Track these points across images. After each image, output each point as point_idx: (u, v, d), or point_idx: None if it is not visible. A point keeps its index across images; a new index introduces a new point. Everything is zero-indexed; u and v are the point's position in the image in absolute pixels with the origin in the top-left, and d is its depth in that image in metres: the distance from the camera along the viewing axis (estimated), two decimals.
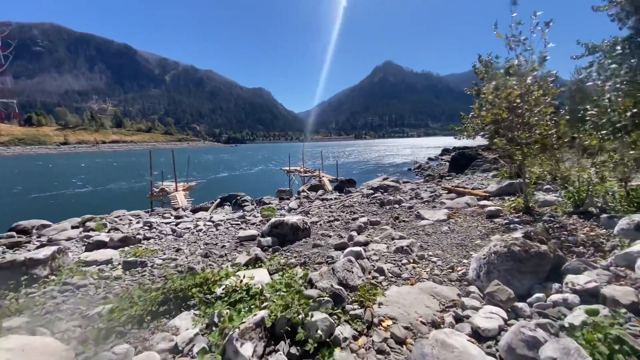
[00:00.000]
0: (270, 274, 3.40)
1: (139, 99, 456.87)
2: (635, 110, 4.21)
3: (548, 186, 7.39)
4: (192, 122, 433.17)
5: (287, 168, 27.59)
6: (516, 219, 4.88)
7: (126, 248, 6.12)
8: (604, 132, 4.60)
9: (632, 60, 4.78)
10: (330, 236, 5.31)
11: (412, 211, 6.66)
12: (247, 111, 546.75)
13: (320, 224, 6.37)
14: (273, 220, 5.25)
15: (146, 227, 8.02)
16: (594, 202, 4.77)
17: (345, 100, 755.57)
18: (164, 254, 5.58)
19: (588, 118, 5.41)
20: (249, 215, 8.25)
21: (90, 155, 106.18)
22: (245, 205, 10.88)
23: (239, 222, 7.24)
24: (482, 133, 10.39)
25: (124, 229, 8.19)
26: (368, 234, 5.11)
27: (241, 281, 2.78)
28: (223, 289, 2.75)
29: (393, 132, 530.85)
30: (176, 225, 7.67)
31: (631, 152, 4.33)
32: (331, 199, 11.24)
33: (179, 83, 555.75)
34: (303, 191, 17.79)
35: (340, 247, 4.30)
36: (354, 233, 5.05)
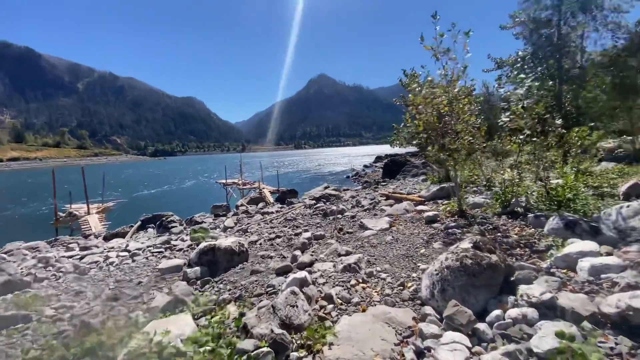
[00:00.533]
0: (196, 319, 2.75)
1: (44, 110, 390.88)
2: (546, 115, 4.66)
3: (475, 189, 7.97)
4: (111, 134, 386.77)
5: (224, 181, 25.98)
6: (453, 223, 4.99)
7: (9, 296, 4.71)
8: (522, 136, 5.01)
9: (538, 69, 5.36)
10: (271, 257, 4.78)
11: (355, 221, 6.50)
12: (177, 122, 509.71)
13: (260, 244, 5.79)
14: (202, 245, 4.51)
15: (41, 265, 6.43)
16: (518, 202, 5.14)
17: (283, 111, 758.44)
18: (59, 300, 4.41)
19: (502, 124, 5.94)
20: (176, 240, 7.21)
21: None
22: (172, 227, 9.63)
23: (162, 249, 6.22)
24: (414, 142, 11.03)
25: (12, 268, 6.43)
26: (313, 251, 4.72)
27: (151, 340, 2.11)
28: (126, 356, 2.04)
29: (330, 141, 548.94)
30: (80, 259, 6.27)
31: (547, 153, 4.76)
32: (273, 212, 10.67)
33: (94, 92, 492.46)
34: (242, 205, 16.81)
35: (283, 272, 3.81)
36: (297, 252, 4.61)
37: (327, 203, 10.51)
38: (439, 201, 7.33)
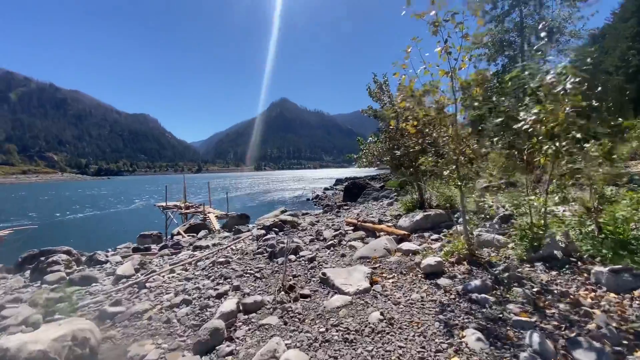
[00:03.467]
0: None
1: None
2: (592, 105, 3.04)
3: (472, 218, 6.29)
4: (47, 150, 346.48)
5: (163, 204, 22.36)
6: (471, 282, 3.08)
7: None
8: (558, 143, 3.34)
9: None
10: None
11: (315, 268, 4.35)
12: (126, 139, 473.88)
13: (149, 318, 3.34)
14: None
15: None
16: (556, 243, 3.40)
17: (244, 132, 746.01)
18: None
19: (523, 125, 4.36)
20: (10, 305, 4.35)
21: None
22: (53, 271, 6.62)
23: None
24: (382, 159, 9.38)
25: None
26: (233, 353, 2.44)
27: None
28: None
29: (291, 164, 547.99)
30: None
31: (599, 170, 3.13)
32: (207, 247, 8.15)
33: (30, 103, 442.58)
34: (178, 233, 13.79)
35: None
36: None
37: (280, 233, 8.27)
38: (426, 234, 5.51)
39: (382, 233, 5.96)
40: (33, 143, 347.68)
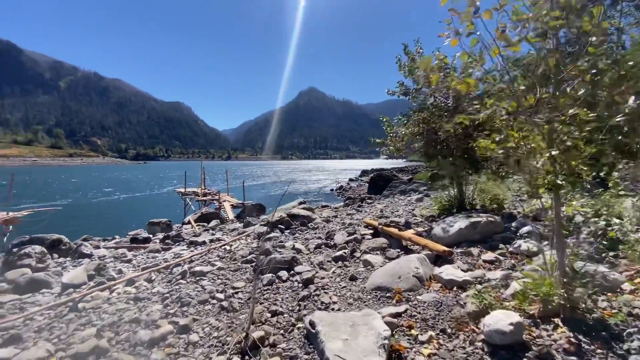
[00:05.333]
0: None
1: (20, 106, 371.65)
2: None
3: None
4: (91, 135, 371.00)
5: (182, 189, 21.94)
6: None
7: None
8: None
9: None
10: None
11: (308, 299, 2.93)
12: (162, 126, 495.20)
13: None
14: None
15: None
16: None
17: (272, 121, 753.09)
18: None
19: None
20: None
21: None
22: (23, 265, 5.76)
23: None
24: (413, 145, 7.65)
25: None
26: None
27: None
28: None
29: (318, 153, 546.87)
30: None
31: None
32: (202, 243, 7.09)
33: (77, 91, 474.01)
34: (189, 222, 13.03)
35: None
36: None
37: (286, 232, 6.97)
38: (474, 251, 3.88)
39: (409, 243, 4.40)
40: (79, 128, 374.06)
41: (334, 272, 3.62)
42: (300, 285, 3.31)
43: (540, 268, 2.38)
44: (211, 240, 7.39)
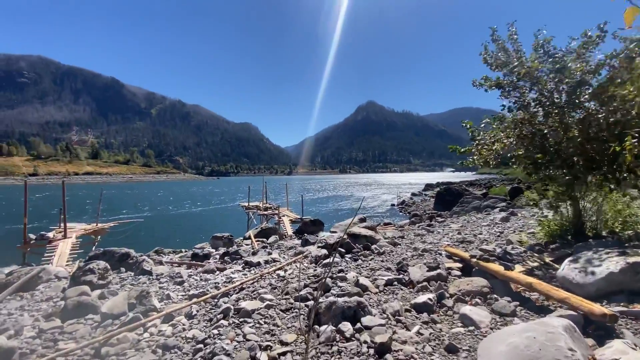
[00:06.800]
0: None
1: (122, 131, 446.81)
2: None
3: None
4: (175, 154, 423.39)
5: (246, 204, 22.58)
6: None
7: None
8: None
9: None
10: None
11: None
12: (233, 145, 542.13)
13: None
14: None
15: None
16: None
17: (331, 136, 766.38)
18: None
19: None
20: None
21: (41, 187, 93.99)
22: (85, 282, 5.83)
23: None
24: (510, 154, 6.08)
25: None
26: None
27: None
28: None
29: (376, 167, 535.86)
30: None
31: None
32: (257, 264, 6.54)
33: (165, 117, 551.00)
34: (249, 237, 12.95)
35: None
36: None
37: (347, 257, 6.02)
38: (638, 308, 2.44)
39: (525, 289, 3.05)
40: (165, 149, 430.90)
41: (418, 334, 2.52)
42: (372, 351, 2.30)
43: None
44: (266, 262, 6.79)
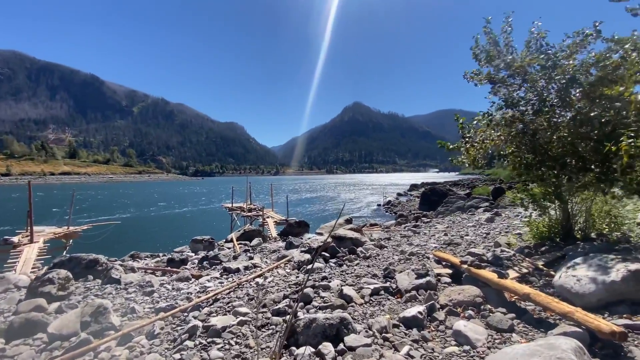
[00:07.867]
0: None
1: (102, 130, 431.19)
2: None
3: None
4: (158, 154, 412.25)
5: (229, 205, 21.95)
6: None
7: None
8: None
9: None
10: None
11: None
12: (219, 145, 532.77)
13: None
14: None
15: None
16: None
17: (317, 137, 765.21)
18: None
19: None
20: None
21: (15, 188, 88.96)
22: (43, 293, 5.26)
23: None
24: (501, 153, 5.88)
25: None
26: None
27: None
28: None
29: (363, 167, 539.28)
30: None
31: None
32: (236, 270, 6.15)
33: (147, 115, 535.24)
34: (231, 240, 12.41)
35: None
36: None
37: (331, 261, 5.71)
38: None
39: (518, 299, 2.81)
40: (148, 148, 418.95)
41: (408, 356, 2.22)
42: None
43: None
44: (246, 267, 6.39)
